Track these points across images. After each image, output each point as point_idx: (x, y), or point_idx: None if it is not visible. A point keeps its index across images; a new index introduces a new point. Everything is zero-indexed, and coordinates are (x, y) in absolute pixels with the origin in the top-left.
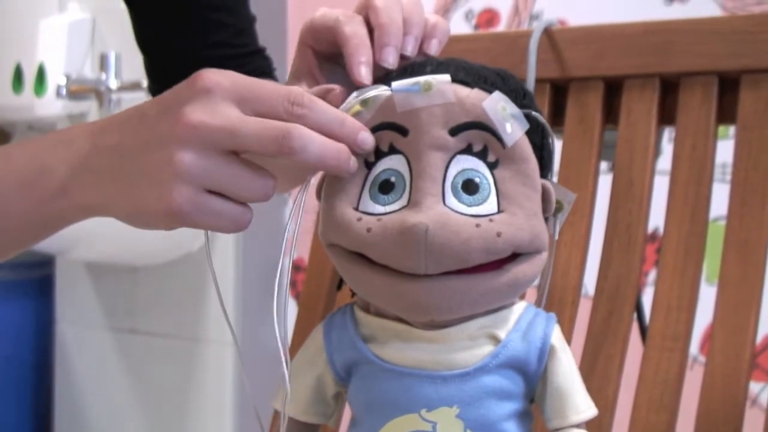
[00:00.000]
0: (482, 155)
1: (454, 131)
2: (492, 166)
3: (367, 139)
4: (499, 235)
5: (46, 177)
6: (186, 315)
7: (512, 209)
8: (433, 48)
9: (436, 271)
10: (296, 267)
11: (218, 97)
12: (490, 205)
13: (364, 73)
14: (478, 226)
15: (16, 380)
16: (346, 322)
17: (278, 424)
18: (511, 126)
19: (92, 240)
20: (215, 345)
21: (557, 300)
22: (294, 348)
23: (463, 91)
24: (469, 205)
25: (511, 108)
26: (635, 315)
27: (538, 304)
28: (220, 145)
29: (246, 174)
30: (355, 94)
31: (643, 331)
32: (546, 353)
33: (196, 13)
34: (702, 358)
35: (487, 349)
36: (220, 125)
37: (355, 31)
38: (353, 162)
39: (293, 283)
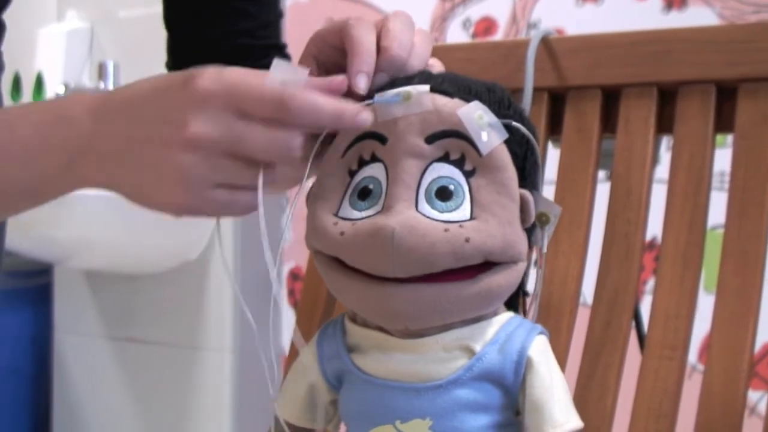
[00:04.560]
0: (459, 163)
1: (430, 139)
2: (468, 175)
3: (362, 119)
4: (467, 240)
5: (50, 155)
6: (184, 323)
7: (485, 216)
8: None
9: (404, 275)
10: (294, 276)
11: (216, 107)
12: (463, 212)
13: (362, 84)
14: (446, 230)
15: (14, 389)
16: (336, 332)
17: (277, 427)
18: (488, 135)
19: (91, 249)
20: (213, 353)
21: (555, 309)
22: (291, 356)
23: (442, 100)
24: (442, 212)
25: (489, 117)
26: (633, 324)
27: (533, 316)
28: (223, 151)
29: (251, 167)
30: None
31: (642, 339)
32: (522, 366)
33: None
34: (701, 367)
35: (461, 361)
36: (223, 136)
37: (362, 37)
38: (363, 116)
39: (291, 292)
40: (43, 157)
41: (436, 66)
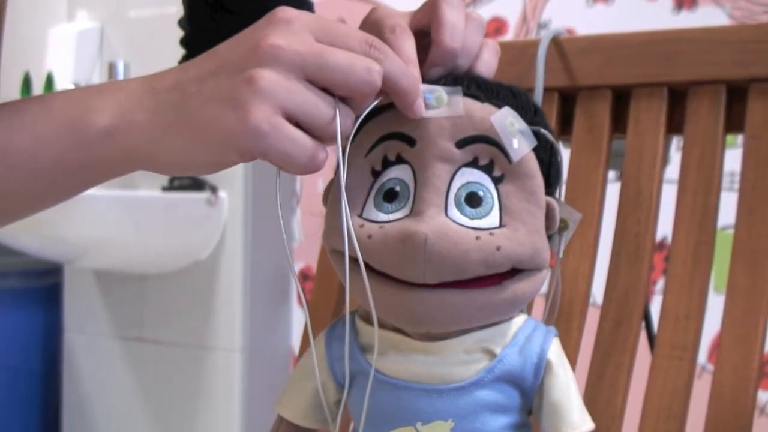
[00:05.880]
0: (488, 169)
1: (460, 144)
2: (497, 181)
3: (420, 106)
4: (498, 248)
5: (89, 117)
6: (194, 323)
7: (514, 224)
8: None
9: (434, 281)
10: (304, 275)
11: (299, 27)
12: (492, 219)
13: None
14: (478, 238)
15: (25, 389)
16: (346, 331)
17: (279, 427)
18: (519, 141)
19: (101, 248)
20: (223, 353)
21: (566, 309)
22: (301, 356)
23: (473, 104)
24: (471, 218)
25: (520, 124)
26: (643, 324)
27: (547, 320)
28: (303, 70)
29: (326, 103)
30: None
31: (651, 340)
32: (542, 368)
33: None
34: (710, 367)
35: (482, 363)
36: (306, 50)
37: (402, 46)
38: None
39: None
40: (79, 121)
41: (488, 47)
